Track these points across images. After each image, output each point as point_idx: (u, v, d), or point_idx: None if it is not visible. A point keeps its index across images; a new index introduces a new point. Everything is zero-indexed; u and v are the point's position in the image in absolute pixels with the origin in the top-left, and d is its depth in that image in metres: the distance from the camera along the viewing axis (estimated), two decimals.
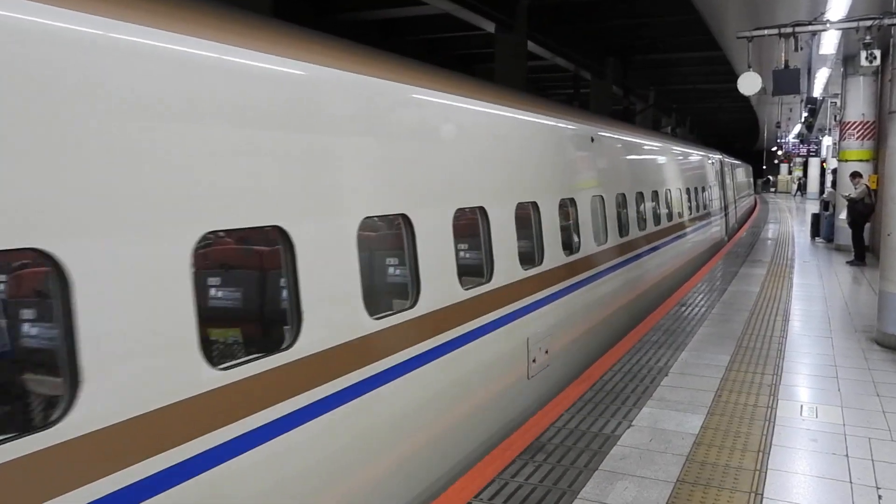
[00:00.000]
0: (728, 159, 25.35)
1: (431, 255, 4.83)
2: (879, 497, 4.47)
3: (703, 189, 17.21)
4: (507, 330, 5.89)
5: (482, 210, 5.60)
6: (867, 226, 15.52)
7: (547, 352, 6.71)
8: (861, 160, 16.77)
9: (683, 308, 10.36)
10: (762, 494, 4.48)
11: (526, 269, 6.30)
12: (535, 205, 6.63)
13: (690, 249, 14.92)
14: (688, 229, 14.56)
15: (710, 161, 19.50)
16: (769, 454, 5.11)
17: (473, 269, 5.65)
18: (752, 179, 44.38)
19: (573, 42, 20.96)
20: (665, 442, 5.32)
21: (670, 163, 13.76)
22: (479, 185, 5.61)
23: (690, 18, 16.25)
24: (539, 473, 4.77)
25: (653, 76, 30.05)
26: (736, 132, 62.19)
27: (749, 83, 10.17)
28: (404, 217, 4.64)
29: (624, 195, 9.82)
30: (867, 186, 15.07)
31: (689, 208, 14.88)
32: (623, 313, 9.57)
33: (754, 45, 10.23)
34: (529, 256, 6.53)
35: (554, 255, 6.98)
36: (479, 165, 5.69)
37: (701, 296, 11.38)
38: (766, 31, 9.65)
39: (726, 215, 22.04)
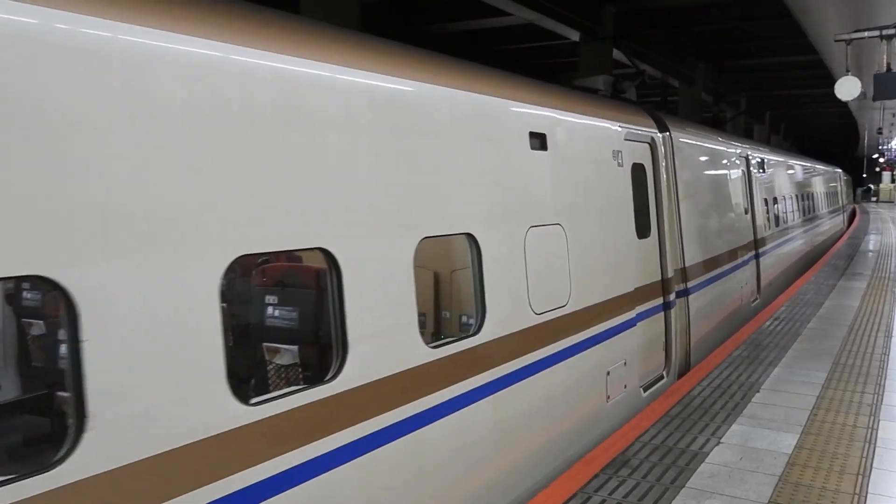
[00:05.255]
0: (691, 140, 8.94)
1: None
2: None
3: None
4: None
5: None
6: None
7: None
8: None
9: (777, 322, 9.97)
10: None
11: None
12: None
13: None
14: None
15: (594, 143, 6.19)
16: (869, 477, 4.86)
17: None
18: (842, 187, 32.57)
19: (661, 48, 20.58)
20: (756, 461, 5.13)
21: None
22: None
23: (785, 22, 15.73)
24: (623, 488, 4.69)
25: (745, 81, 29.18)
26: (834, 139, 59.69)
27: (847, 88, 9.77)
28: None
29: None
30: None
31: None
32: None
33: (853, 47, 9.81)
34: None
35: None
36: None
37: (796, 309, 10.93)
38: (865, 34, 9.23)
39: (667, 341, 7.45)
